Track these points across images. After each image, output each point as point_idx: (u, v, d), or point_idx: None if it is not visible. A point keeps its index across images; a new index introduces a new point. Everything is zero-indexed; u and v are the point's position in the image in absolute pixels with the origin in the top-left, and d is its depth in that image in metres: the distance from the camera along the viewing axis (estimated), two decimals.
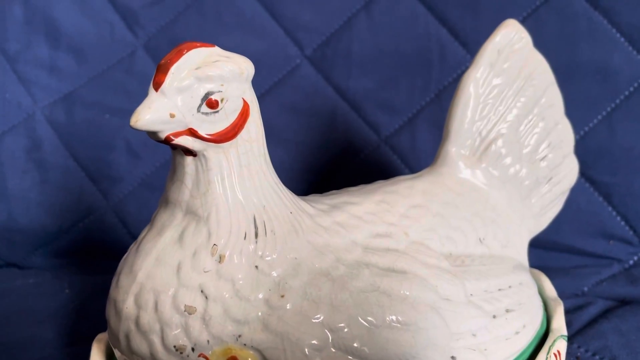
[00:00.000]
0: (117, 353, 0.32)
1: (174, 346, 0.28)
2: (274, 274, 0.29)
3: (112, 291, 0.32)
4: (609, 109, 0.60)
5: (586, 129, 0.60)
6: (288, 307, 0.29)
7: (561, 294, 0.54)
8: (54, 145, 0.62)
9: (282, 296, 0.29)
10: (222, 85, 0.29)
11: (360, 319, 0.29)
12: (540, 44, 0.43)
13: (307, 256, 0.31)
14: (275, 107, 0.64)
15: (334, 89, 0.64)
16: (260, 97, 0.64)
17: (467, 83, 0.39)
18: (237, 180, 0.30)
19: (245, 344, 0.28)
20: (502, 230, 0.39)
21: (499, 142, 0.40)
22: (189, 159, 0.30)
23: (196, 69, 0.28)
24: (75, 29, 0.65)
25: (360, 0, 0.64)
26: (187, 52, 0.28)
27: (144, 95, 0.28)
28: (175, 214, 0.31)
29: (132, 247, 0.32)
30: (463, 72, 0.41)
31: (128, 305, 0.30)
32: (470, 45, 0.62)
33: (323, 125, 0.64)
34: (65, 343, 0.45)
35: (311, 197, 0.37)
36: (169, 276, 0.29)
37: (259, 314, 0.28)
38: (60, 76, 0.64)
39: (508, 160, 0.40)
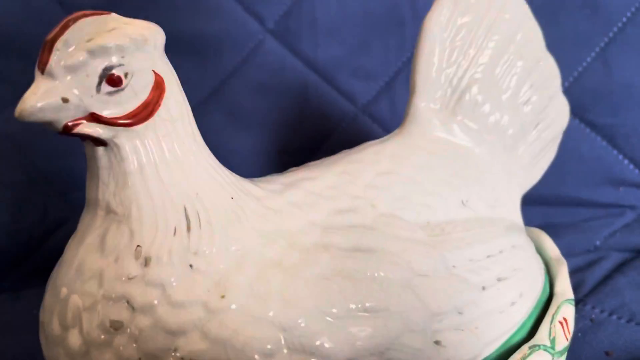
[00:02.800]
0: None
1: None
2: (213, 271, 0.25)
3: (40, 312, 0.27)
4: (602, 44, 0.55)
5: (580, 69, 0.55)
6: (231, 309, 0.24)
7: (572, 251, 0.49)
8: (11, 159, 0.58)
9: (223, 296, 0.24)
10: (122, 57, 0.24)
11: (318, 311, 0.25)
12: None
13: (253, 246, 0.26)
14: (242, 88, 0.59)
15: (302, 62, 0.59)
16: (226, 80, 0.59)
17: (429, 27, 0.35)
18: (161, 168, 0.26)
19: (182, 358, 0.24)
20: (488, 189, 0.34)
21: (474, 89, 0.35)
22: (100, 150, 0.25)
23: (88, 41, 0.24)
24: (18, 31, 0.61)
25: None
26: (74, 23, 0.24)
27: None
28: (96, 216, 0.26)
29: (59, 259, 0.28)
30: None
31: (54, 328, 0.26)
32: None
33: (295, 101, 0.59)
34: None
35: (267, 177, 0.33)
36: (91, 289, 0.25)
37: (197, 320, 0.24)
38: (11, 85, 0.60)
39: (486, 108, 0.35)
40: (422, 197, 0.31)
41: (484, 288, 0.29)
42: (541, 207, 0.55)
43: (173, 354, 0.24)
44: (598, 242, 0.52)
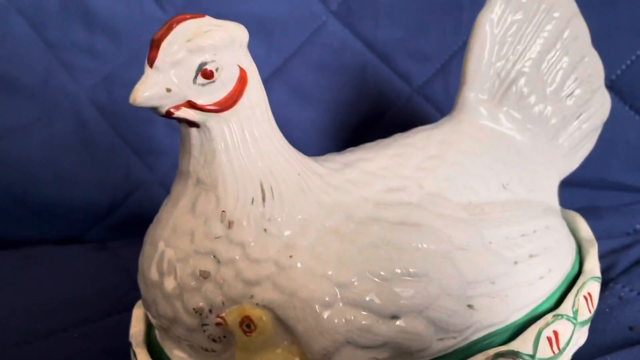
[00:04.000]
0: (149, 317, 0.34)
1: (194, 309, 0.30)
2: (282, 235, 0.30)
3: (140, 260, 0.33)
4: None
5: (633, 57, 0.57)
6: (297, 266, 0.29)
7: (611, 233, 0.52)
8: (99, 125, 0.65)
9: (291, 256, 0.29)
10: (215, 54, 0.29)
11: (369, 273, 0.29)
12: None
13: (315, 216, 0.31)
14: (304, 67, 0.63)
15: (362, 43, 0.63)
16: (289, 59, 0.64)
17: (481, 22, 0.38)
18: (242, 147, 0.31)
19: (257, 304, 0.29)
20: (527, 174, 0.38)
21: (521, 82, 0.38)
22: (193, 131, 0.31)
23: (187, 41, 0.29)
24: (107, 10, 0.67)
25: None
26: (177, 25, 0.29)
27: None
28: (187, 185, 0.32)
29: (156, 217, 0.34)
30: None
31: (152, 274, 0.32)
32: None
33: (353, 80, 0.63)
34: (118, 309, 0.48)
35: (327, 156, 0.38)
36: (184, 244, 0.30)
37: (269, 274, 0.29)
38: (99, 58, 0.67)
39: (531, 99, 0.39)
40: (465, 179, 0.35)
41: (516, 262, 0.33)
42: (585, 189, 0.57)
43: (250, 299, 0.29)
44: (638, 226, 0.54)
